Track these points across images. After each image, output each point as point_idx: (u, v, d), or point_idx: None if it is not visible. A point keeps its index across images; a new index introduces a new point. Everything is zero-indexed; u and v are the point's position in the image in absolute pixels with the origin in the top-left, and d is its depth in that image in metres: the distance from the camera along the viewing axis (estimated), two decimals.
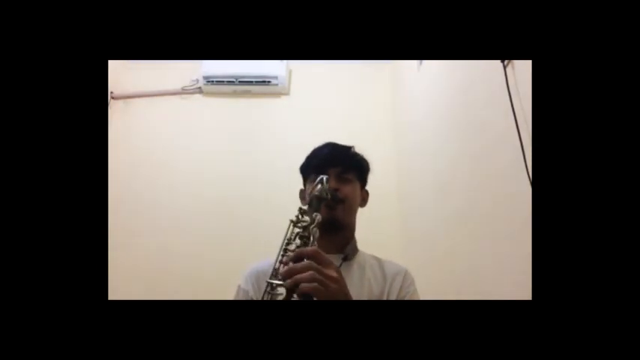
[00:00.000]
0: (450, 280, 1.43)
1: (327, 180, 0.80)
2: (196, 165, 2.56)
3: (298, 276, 0.60)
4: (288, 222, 0.75)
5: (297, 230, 0.73)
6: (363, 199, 1.02)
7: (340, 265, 0.87)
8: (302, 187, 1.02)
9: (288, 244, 0.73)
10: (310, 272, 0.60)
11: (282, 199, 2.40)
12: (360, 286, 0.87)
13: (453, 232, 1.52)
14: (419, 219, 2.00)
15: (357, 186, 0.98)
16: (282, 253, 0.72)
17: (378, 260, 0.96)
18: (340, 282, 0.64)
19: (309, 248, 0.67)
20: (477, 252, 1.29)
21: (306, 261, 0.63)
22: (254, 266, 0.92)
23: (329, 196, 0.79)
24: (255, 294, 0.87)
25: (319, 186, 0.78)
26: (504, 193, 1.11)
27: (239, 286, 0.91)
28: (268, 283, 0.68)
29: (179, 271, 2.31)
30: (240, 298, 0.89)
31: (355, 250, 0.96)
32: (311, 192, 0.79)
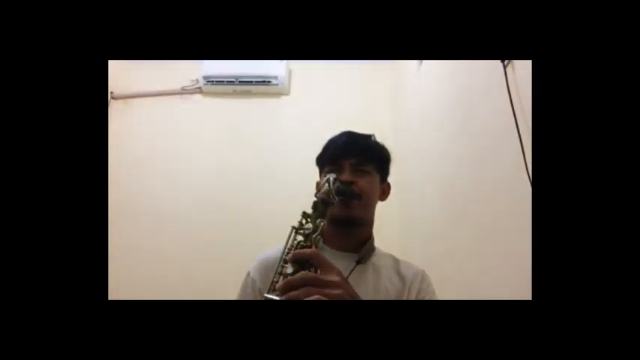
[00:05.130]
0: (450, 280, 1.43)
1: (335, 181, 0.71)
2: (196, 165, 2.56)
3: (293, 293, 0.56)
4: (290, 229, 0.69)
5: (299, 238, 0.68)
6: (384, 192, 0.95)
7: (353, 268, 0.83)
8: (318, 179, 0.96)
9: (288, 253, 0.67)
10: (306, 288, 0.56)
11: (282, 198, 2.41)
12: (376, 291, 0.83)
13: (453, 232, 1.52)
14: (419, 219, 2.00)
15: (376, 178, 0.90)
16: (281, 264, 0.67)
17: (395, 260, 0.91)
18: (343, 285, 0.59)
19: (307, 251, 0.63)
20: (477, 252, 1.29)
21: (301, 274, 0.59)
22: (264, 255, 0.89)
23: (335, 200, 0.71)
24: (261, 284, 0.84)
25: (325, 187, 0.70)
26: (504, 194, 1.11)
27: (248, 273, 0.88)
28: (265, 298, 0.64)
29: (179, 271, 2.31)
30: (249, 285, 0.87)
31: (372, 249, 0.90)
32: (316, 194, 0.71)
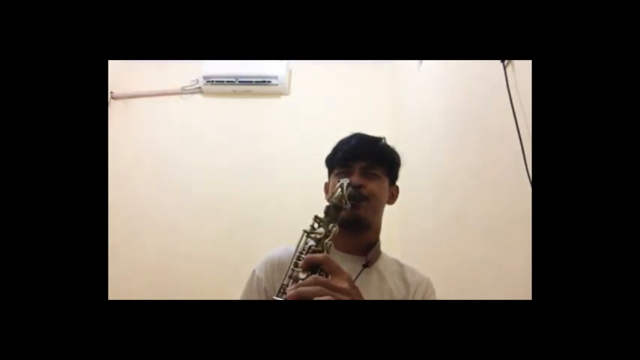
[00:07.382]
0: (449, 280, 1.43)
1: (348, 186, 0.72)
2: (196, 165, 2.56)
3: (304, 290, 0.58)
4: (302, 232, 0.70)
5: (310, 242, 0.68)
6: (392, 196, 0.95)
7: (360, 272, 0.83)
8: (323, 179, 0.97)
9: (299, 257, 0.68)
10: (319, 287, 0.58)
11: (282, 198, 2.42)
12: (380, 296, 0.83)
13: (453, 231, 1.52)
14: (418, 218, 2.00)
15: (385, 182, 0.90)
16: (292, 267, 0.67)
17: (401, 266, 0.91)
18: (351, 293, 0.61)
19: (318, 256, 0.63)
20: (476, 252, 1.29)
21: (312, 278, 0.60)
22: (271, 254, 0.89)
23: (348, 206, 0.71)
24: (267, 283, 0.84)
25: (338, 192, 0.70)
26: (504, 193, 1.11)
27: (254, 271, 0.88)
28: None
29: (179, 271, 2.31)
30: (254, 283, 0.86)
31: (378, 254, 0.90)
32: (329, 198, 0.72)
